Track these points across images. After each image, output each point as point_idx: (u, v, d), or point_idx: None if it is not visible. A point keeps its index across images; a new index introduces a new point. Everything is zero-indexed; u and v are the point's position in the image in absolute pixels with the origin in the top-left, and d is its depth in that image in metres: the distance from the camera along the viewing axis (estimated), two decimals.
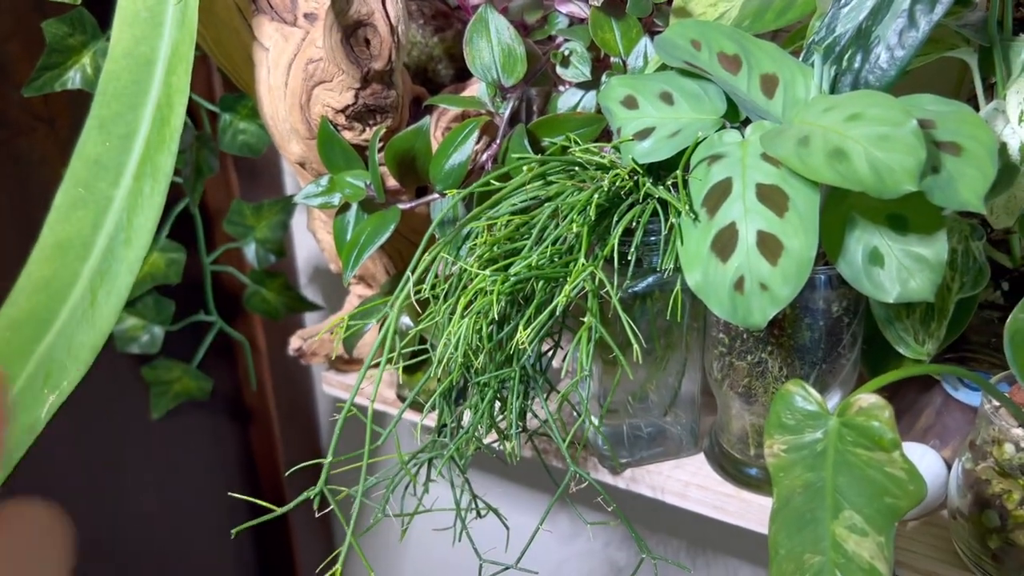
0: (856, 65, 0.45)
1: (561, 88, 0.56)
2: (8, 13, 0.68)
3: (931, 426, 0.54)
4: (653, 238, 0.50)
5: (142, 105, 0.51)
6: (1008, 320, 0.41)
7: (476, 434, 0.50)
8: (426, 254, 0.47)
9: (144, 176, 0.52)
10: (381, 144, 0.54)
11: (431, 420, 0.56)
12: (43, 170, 0.74)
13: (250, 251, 0.82)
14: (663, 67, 0.51)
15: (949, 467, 0.52)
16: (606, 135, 0.55)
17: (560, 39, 0.55)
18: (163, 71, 0.51)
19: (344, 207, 0.54)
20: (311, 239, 0.91)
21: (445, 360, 0.46)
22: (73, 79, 0.69)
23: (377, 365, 0.46)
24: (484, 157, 0.53)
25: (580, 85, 0.56)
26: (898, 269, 0.41)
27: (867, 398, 0.37)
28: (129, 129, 0.51)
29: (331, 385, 0.71)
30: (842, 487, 0.38)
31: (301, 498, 0.42)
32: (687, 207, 0.44)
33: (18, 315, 0.52)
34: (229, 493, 0.67)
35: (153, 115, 0.51)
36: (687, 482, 0.56)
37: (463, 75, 0.63)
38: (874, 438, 0.37)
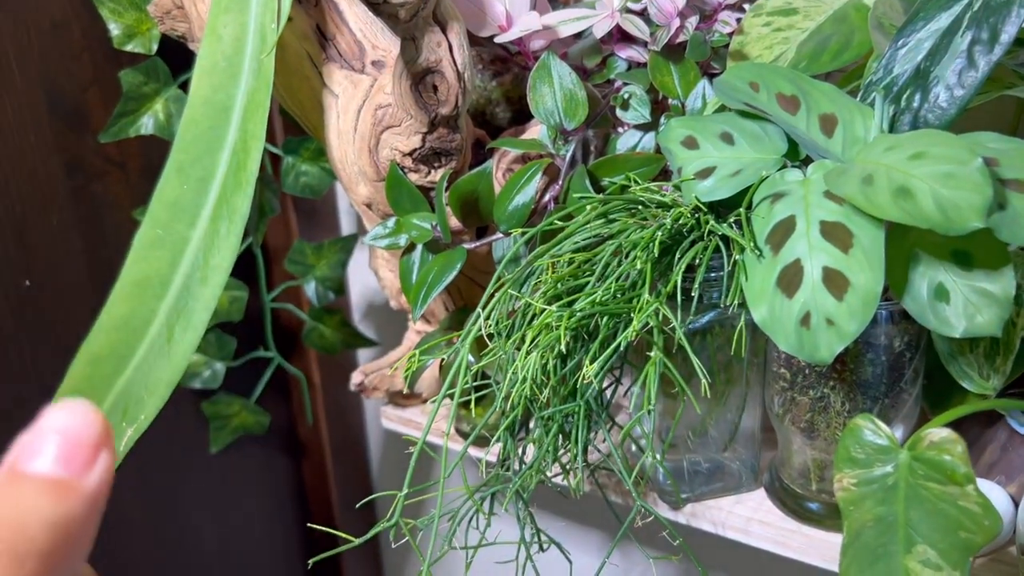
0: (915, 104, 0.46)
1: (620, 130, 0.58)
2: (88, 63, 0.72)
3: (996, 462, 0.54)
4: (715, 274, 0.51)
5: (219, 150, 0.54)
6: None
7: (540, 467, 0.50)
8: (495, 290, 0.49)
9: (220, 218, 0.54)
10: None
11: (492, 456, 0.57)
12: (115, 213, 0.77)
13: (310, 289, 0.85)
14: (721, 108, 0.52)
15: (1016, 503, 0.51)
16: (663, 175, 0.56)
17: (619, 82, 0.57)
18: (239, 117, 0.53)
19: (409, 248, 0.56)
20: (366, 277, 0.93)
21: (511, 394, 0.47)
22: (146, 125, 0.72)
23: (449, 396, 0.47)
24: (547, 198, 0.55)
25: (639, 127, 0.57)
26: (964, 304, 0.41)
27: (938, 432, 0.37)
28: (206, 173, 0.54)
29: (390, 420, 0.72)
30: (915, 521, 0.38)
31: (379, 527, 0.43)
32: (751, 244, 0.45)
33: (98, 351, 0.54)
34: (308, 524, 0.68)
35: (229, 160, 0.53)
36: (748, 518, 0.57)
37: (520, 117, 0.65)
38: (947, 472, 0.37)
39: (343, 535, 0.42)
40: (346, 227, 0.94)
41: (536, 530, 0.53)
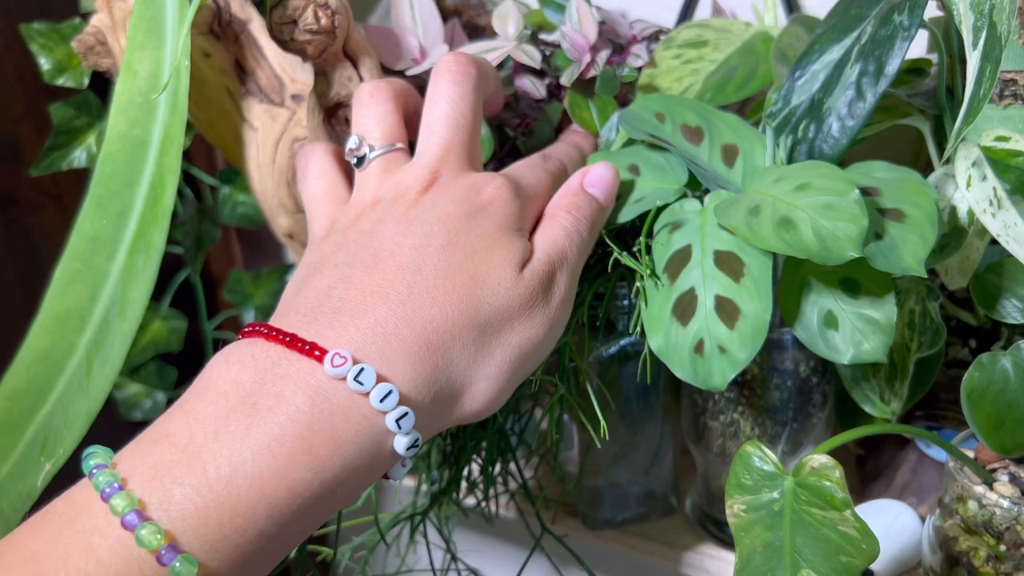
0: (811, 135, 0.47)
1: None
2: (20, 96, 0.72)
3: (908, 483, 0.55)
4: (625, 302, 0.51)
5: (136, 184, 0.54)
6: (964, 379, 0.42)
7: (454, 498, 0.51)
8: None
9: (138, 251, 0.54)
10: None
11: (412, 479, 0.57)
12: (50, 245, 0.77)
13: (249, 317, 0.85)
14: (630, 141, 0.53)
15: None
16: None
17: (531, 117, 0.58)
18: (156, 152, 0.54)
19: None
20: None
21: None
22: (79, 158, 0.72)
23: None
24: None
25: None
26: (851, 331, 0.42)
27: (818, 459, 0.38)
28: (124, 207, 0.54)
29: None
30: (799, 546, 0.38)
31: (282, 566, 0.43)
32: (649, 272, 0.46)
33: (17, 385, 0.54)
34: None
35: (147, 194, 0.54)
36: (670, 544, 0.57)
37: None
38: (827, 497, 0.37)
39: None
40: (291, 254, 0.94)
41: (453, 558, 0.53)
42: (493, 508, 0.53)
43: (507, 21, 0.59)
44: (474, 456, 0.51)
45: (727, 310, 0.42)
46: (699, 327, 0.43)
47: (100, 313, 0.55)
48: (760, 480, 0.40)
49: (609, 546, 0.58)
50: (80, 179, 0.77)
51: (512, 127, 0.58)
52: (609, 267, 0.47)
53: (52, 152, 0.71)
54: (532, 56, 0.56)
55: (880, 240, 0.40)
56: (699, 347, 0.43)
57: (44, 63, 0.69)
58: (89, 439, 0.55)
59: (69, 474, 0.54)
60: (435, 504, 0.50)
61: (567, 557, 0.52)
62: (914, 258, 0.39)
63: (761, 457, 0.40)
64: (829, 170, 0.42)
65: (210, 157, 0.83)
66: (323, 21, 0.51)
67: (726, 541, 0.56)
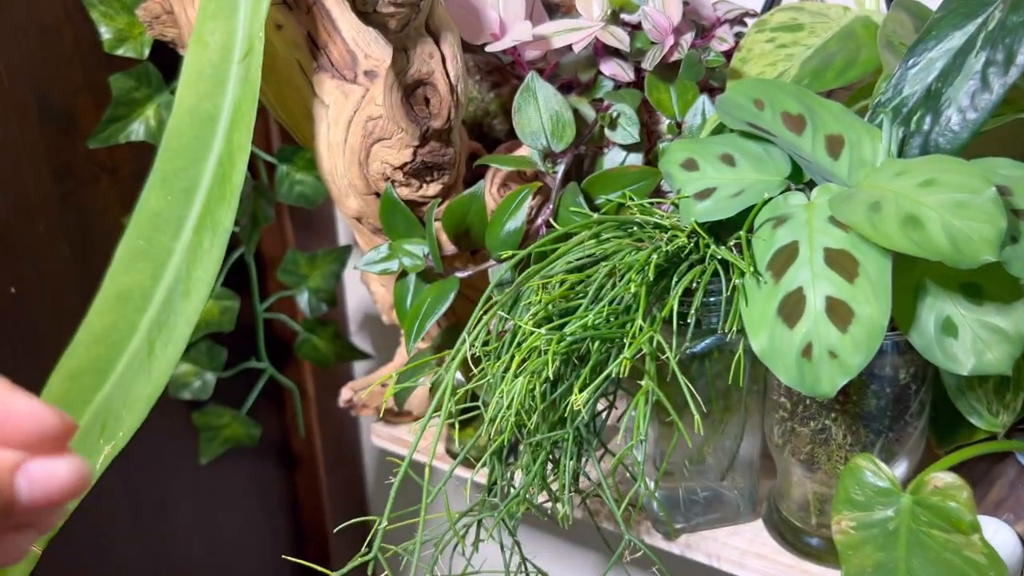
0: (926, 127, 0.44)
1: (605, 150, 0.56)
2: (78, 67, 0.70)
3: (1004, 499, 0.52)
4: (713, 299, 0.49)
5: (204, 160, 0.52)
6: None
7: (527, 495, 0.49)
8: (482, 314, 0.47)
9: (204, 230, 0.52)
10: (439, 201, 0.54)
11: (481, 477, 0.55)
12: (105, 219, 0.75)
13: (303, 300, 0.83)
14: (720, 128, 0.51)
15: (1023, 542, 0.49)
16: (658, 192, 0.54)
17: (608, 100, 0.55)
18: (225, 128, 0.51)
19: (404, 272, 0.55)
20: (362, 288, 0.91)
21: (497, 419, 0.46)
22: (137, 131, 0.70)
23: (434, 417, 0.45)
24: (539, 221, 0.53)
25: (625, 147, 0.55)
26: (973, 340, 0.39)
27: (943, 477, 0.35)
28: (191, 184, 0.52)
29: (380, 437, 0.71)
30: (916, 570, 0.36)
31: (356, 562, 0.41)
32: (752, 269, 0.43)
33: (77, 365, 0.53)
34: (283, 556, 0.66)
35: (215, 170, 0.52)
36: (744, 550, 0.54)
37: None
38: (951, 520, 0.35)
39: (316, 567, 0.40)
40: (343, 236, 0.92)
41: (523, 559, 0.51)
42: (564, 509, 0.51)
43: (592, 1, 0.56)
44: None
45: (839, 312, 0.40)
46: (808, 329, 0.40)
47: (163, 292, 0.53)
48: (873, 496, 0.37)
49: (683, 552, 0.56)
50: (136, 153, 0.75)
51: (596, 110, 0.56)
52: (706, 260, 0.45)
53: (110, 124, 0.69)
54: (620, 38, 0.54)
55: (1015, 244, 0.37)
56: (807, 351, 0.40)
57: (104, 32, 0.67)
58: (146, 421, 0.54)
59: (126, 457, 0.53)
60: (510, 503, 0.48)
61: (636, 562, 0.50)
62: None
63: (875, 472, 0.37)
64: (957, 165, 0.39)
65: (266, 133, 0.81)
66: None
67: (806, 552, 0.53)
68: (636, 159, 0.56)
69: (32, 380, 0.70)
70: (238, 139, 0.51)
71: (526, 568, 0.51)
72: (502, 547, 0.49)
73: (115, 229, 0.75)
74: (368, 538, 0.45)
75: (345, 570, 0.43)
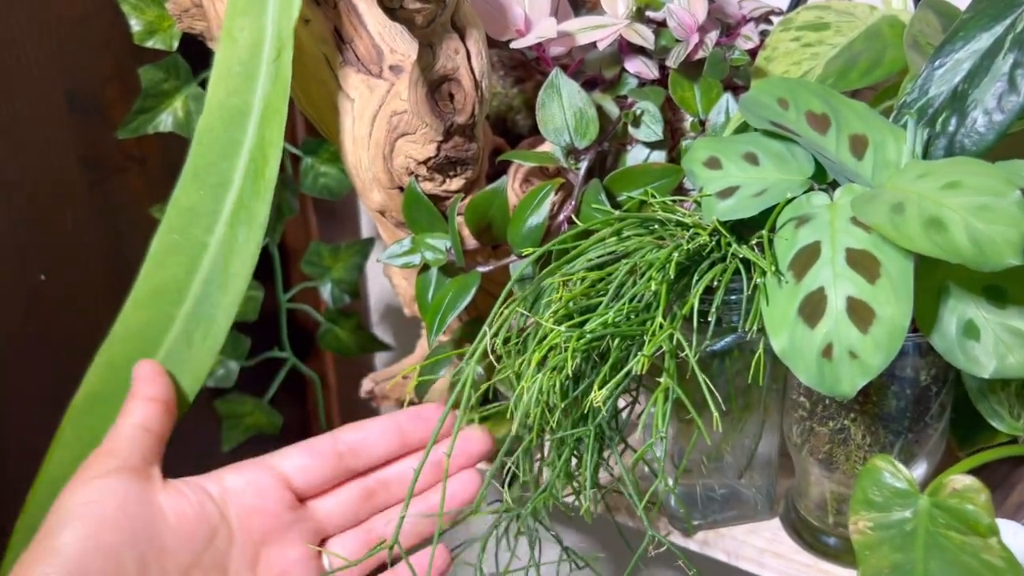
0: (951, 129, 0.44)
1: (628, 146, 0.56)
2: (108, 58, 0.71)
3: None
4: (734, 297, 0.49)
5: (235, 156, 0.52)
6: None
7: (554, 490, 0.49)
8: (503, 309, 0.47)
9: (239, 223, 0.53)
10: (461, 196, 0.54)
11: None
12: (133, 209, 0.76)
13: (326, 291, 0.84)
14: (743, 127, 0.51)
15: None
16: (680, 189, 0.55)
17: (632, 98, 0.55)
18: (256, 123, 0.52)
19: (425, 266, 0.55)
20: (384, 280, 0.92)
21: (521, 416, 0.46)
22: (165, 122, 0.71)
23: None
24: (561, 217, 0.53)
25: (648, 144, 0.55)
26: (995, 343, 0.39)
27: (962, 479, 0.35)
28: (222, 179, 0.52)
29: None
30: (934, 572, 0.36)
31: (376, 549, 0.42)
32: (773, 268, 0.43)
33: (113, 360, 0.53)
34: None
35: (247, 166, 0.52)
36: (763, 549, 0.55)
37: None
38: (969, 522, 0.35)
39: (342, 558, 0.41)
40: (366, 229, 0.93)
41: (564, 548, 0.51)
42: (588, 504, 0.51)
43: None
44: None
45: (860, 313, 0.40)
46: (828, 329, 0.40)
47: (199, 286, 0.53)
48: (891, 497, 0.38)
49: (701, 550, 0.56)
50: (164, 143, 0.76)
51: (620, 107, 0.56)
52: (728, 259, 0.45)
53: (139, 115, 0.70)
54: (645, 36, 0.54)
55: None
56: (827, 351, 0.40)
57: (135, 24, 0.68)
58: None
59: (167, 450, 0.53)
60: (538, 498, 0.48)
61: (660, 559, 0.50)
62: None
63: (893, 473, 0.37)
64: (981, 167, 0.39)
65: (292, 126, 0.82)
66: None
67: (823, 551, 0.54)
68: (659, 156, 0.56)
69: (57, 365, 0.72)
70: (270, 135, 0.52)
71: (571, 559, 0.51)
72: (529, 541, 0.49)
73: (143, 218, 0.77)
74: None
75: (364, 557, 0.43)
